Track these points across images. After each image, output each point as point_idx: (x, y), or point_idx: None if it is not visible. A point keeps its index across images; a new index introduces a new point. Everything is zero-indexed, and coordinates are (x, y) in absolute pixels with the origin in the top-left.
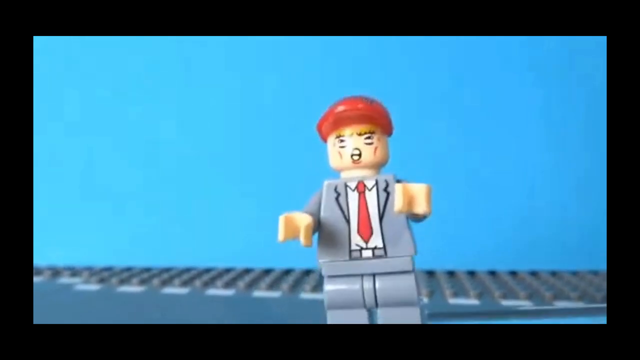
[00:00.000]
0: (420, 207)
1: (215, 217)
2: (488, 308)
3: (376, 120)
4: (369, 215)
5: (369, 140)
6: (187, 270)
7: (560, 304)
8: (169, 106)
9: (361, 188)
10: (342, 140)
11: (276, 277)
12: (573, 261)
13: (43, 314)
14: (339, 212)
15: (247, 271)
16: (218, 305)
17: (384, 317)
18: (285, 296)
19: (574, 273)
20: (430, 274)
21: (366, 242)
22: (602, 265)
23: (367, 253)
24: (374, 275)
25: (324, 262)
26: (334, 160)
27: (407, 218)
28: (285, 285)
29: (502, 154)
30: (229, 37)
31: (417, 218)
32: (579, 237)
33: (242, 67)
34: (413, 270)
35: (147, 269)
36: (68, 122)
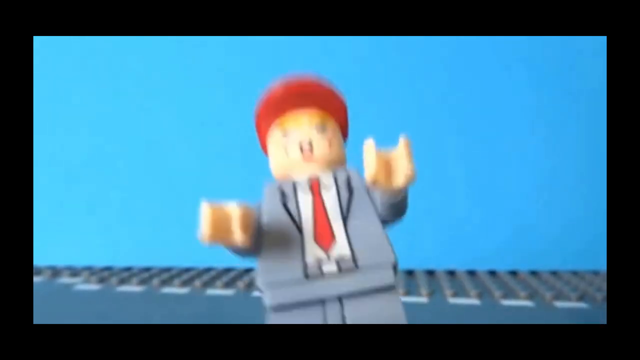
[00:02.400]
0: (402, 171)
1: None
2: (488, 308)
3: (330, 106)
4: (328, 218)
5: (322, 132)
6: (187, 270)
7: (561, 304)
8: (169, 106)
9: (315, 187)
10: (287, 134)
11: None
12: (573, 261)
13: (43, 314)
14: (287, 218)
15: (247, 271)
16: (218, 305)
17: None
18: None
19: (575, 273)
20: (430, 273)
21: (327, 251)
22: (602, 265)
23: (329, 267)
24: (340, 299)
25: (267, 287)
26: (278, 160)
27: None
28: None
29: (502, 154)
30: (229, 37)
31: (395, 201)
32: (579, 237)
33: (242, 67)
34: (396, 286)
35: (147, 269)
36: (68, 121)
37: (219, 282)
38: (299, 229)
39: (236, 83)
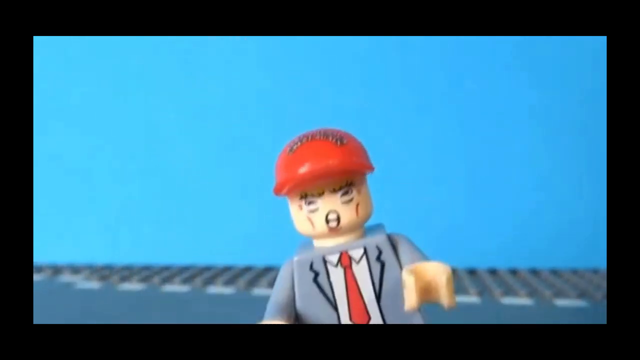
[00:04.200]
0: (443, 299)
1: (215, 214)
2: (488, 306)
3: (355, 172)
4: (361, 297)
5: (347, 197)
6: (187, 268)
7: (560, 302)
8: (169, 105)
9: (346, 261)
10: (310, 202)
11: (276, 275)
12: (573, 259)
13: (43, 312)
14: (322, 297)
15: (248, 269)
16: (218, 303)
17: None
18: None
19: (574, 271)
20: None
21: None
22: (602, 263)
23: None
24: None
25: None
26: (302, 227)
27: None
28: None
29: (502, 152)
30: (229, 37)
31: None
32: (579, 235)
33: (242, 67)
34: None
35: (148, 267)
36: (68, 121)
37: (219, 280)
38: (335, 307)
39: (236, 83)
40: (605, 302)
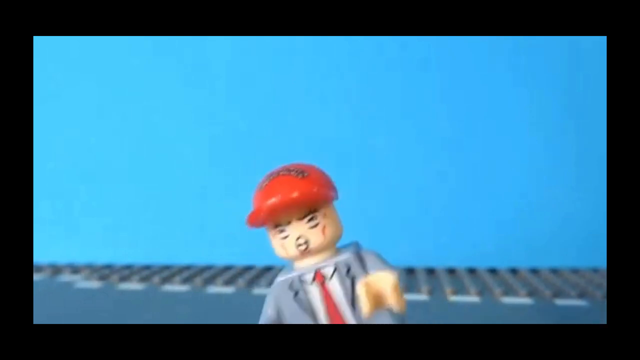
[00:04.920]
0: (392, 305)
1: (215, 214)
2: (488, 306)
3: (315, 201)
4: (337, 308)
5: (312, 223)
6: (187, 267)
7: (561, 302)
8: (169, 106)
9: (320, 278)
10: (281, 231)
11: (276, 275)
12: (573, 258)
13: (43, 311)
14: (302, 311)
15: (247, 269)
16: (218, 303)
17: None
18: None
19: (575, 271)
20: (430, 271)
21: None
22: (602, 262)
23: None
24: None
25: None
26: (279, 253)
27: None
28: None
29: (502, 150)
30: (229, 37)
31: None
32: (580, 235)
33: (242, 67)
34: None
35: (148, 267)
36: (68, 120)
37: (219, 280)
38: (315, 320)
39: (236, 83)
40: (605, 301)
